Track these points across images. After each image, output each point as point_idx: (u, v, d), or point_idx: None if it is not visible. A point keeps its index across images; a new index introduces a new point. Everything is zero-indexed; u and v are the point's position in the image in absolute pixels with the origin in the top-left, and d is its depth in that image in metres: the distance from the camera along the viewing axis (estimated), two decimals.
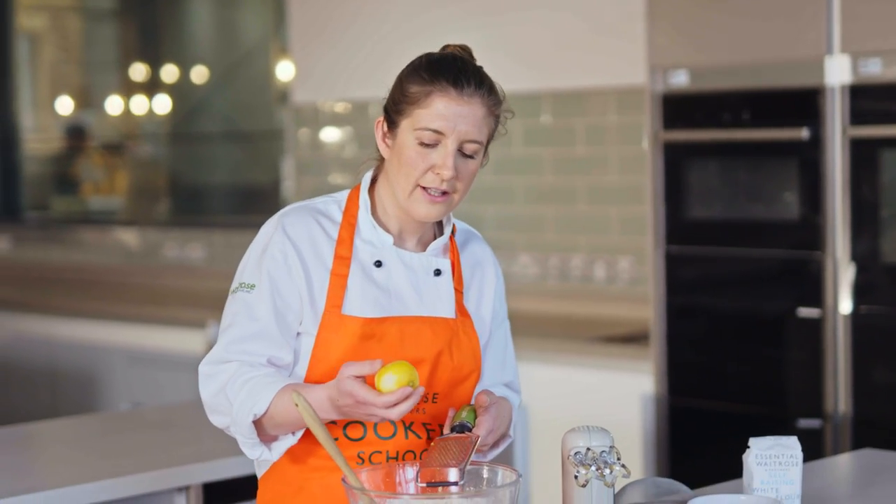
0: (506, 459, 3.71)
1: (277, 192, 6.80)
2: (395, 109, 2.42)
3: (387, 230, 2.48)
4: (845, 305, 4.09)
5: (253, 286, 2.43)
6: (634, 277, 5.36)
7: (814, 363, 4.15)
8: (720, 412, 4.36)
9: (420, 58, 2.44)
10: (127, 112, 7.70)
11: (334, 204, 2.51)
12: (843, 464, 3.19)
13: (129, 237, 7.36)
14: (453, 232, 2.55)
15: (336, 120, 6.29)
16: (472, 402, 2.48)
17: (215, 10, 7.61)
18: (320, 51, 6.05)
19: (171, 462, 3.23)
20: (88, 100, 8.10)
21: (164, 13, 7.62)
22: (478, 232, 2.64)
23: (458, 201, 2.43)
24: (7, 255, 7.89)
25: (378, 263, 2.46)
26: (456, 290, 2.51)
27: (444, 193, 2.40)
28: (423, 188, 2.39)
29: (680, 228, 4.44)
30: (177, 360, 5.76)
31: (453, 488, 2.24)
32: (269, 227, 2.47)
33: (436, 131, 2.37)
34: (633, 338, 4.92)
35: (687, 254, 4.44)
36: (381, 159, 2.49)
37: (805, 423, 4.15)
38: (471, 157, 2.40)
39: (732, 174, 4.35)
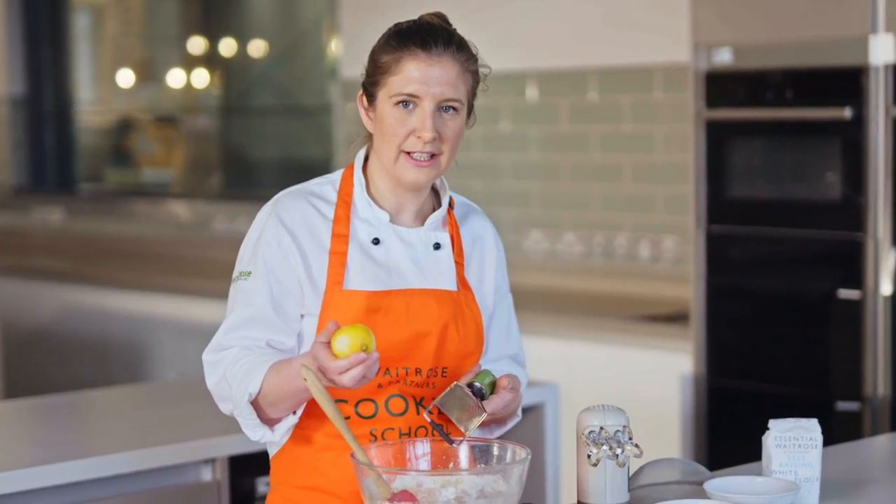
0: (535, 436, 3.71)
1: (328, 167, 6.81)
2: (370, 82, 2.44)
3: (382, 207, 2.48)
4: (886, 287, 4.05)
5: (249, 273, 2.43)
6: (678, 257, 5.33)
7: (854, 345, 4.11)
8: (759, 393, 4.33)
9: (389, 29, 2.45)
10: (188, 85, 7.74)
11: (328, 184, 2.51)
12: (874, 447, 3.16)
13: (180, 210, 7.41)
14: (451, 205, 2.55)
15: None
16: (496, 375, 2.48)
17: None
18: (369, 25, 6.01)
19: (201, 434, 3.25)
20: (149, 73, 8.15)
21: None
22: (476, 205, 2.64)
23: (447, 164, 2.42)
24: (61, 226, 7.97)
25: (376, 241, 2.45)
26: (456, 262, 2.50)
27: (432, 157, 2.40)
28: (408, 154, 2.40)
29: (722, 208, 4.41)
30: None
31: (462, 459, 2.26)
32: (264, 213, 2.47)
33: (410, 94, 2.38)
34: (675, 317, 4.90)
35: (728, 233, 4.41)
36: (371, 136, 2.49)
37: (844, 405, 4.11)
38: (451, 116, 2.40)
39: (775, 153, 4.31)
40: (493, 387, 2.42)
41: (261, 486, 3.28)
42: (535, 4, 5.64)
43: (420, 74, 2.37)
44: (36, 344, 6.86)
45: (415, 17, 2.48)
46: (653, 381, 4.60)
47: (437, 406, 2.34)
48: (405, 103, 2.38)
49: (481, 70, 2.46)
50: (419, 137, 2.37)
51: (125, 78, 8.15)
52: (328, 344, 2.20)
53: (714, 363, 4.44)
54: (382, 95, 2.41)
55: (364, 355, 2.18)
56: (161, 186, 7.95)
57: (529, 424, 3.73)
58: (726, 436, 4.42)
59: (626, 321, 4.88)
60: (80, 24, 8.30)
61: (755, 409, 4.34)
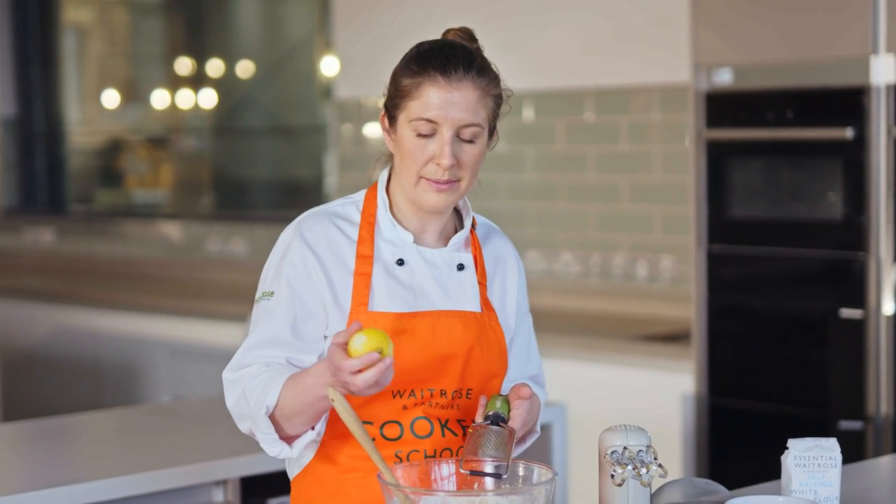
0: (543, 456, 3.70)
1: (320, 188, 6.81)
2: (391, 104, 2.44)
3: (405, 228, 2.47)
4: (888, 307, 4.06)
5: (272, 294, 2.42)
6: (676, 276, 5.34)
7: (856, 364, 4.12)
8: (760, 413, 4.34)
9: (411, 49, 2.43)
10: (173, 106, 7.74)
11: (352, 205, 2.50)
12: (883, 466, 3.17)
13: (172, 230, 7.40)
14: (473, 225, 2.54)
15: (379, 115, 6.28)
16: (505, 392, 2.47)
17: (261, 5, 7.63)
18: (364, 46, 6.05)
19: (210, 456, 3.24)
20: (135, 93, 8.13)
21: (211, 7, 7.65)
22: (497, 226, 2.63)
23: (466, 188, 2.41)
24: (51, 247, 7.94)
25: (400, 262, 2.44)
26: (480, 283, 2.50)
27: (449, 181, 2.39)
28: (428, 179, 2.39)
29: (722, 227, 4.42)
30: (218, 353, 5.77)
31: (489, 480, 2.24)
32: (287, 234, 2.46)
33: (429, 121, 2.36)
34: (674, 337, 4.90)
35: (729, 253, 4.42)
36: (392, 156, 2.49)
37: (846, 424, 4.12)
38: (471, 141, 2.38)
39: (776, 173, 4.32)
40: (508, 404, 2.41)
41: None
42: (532, 24, 5.65)
43: (439, 100, 2.35)
44: (27, 365, 6.83)
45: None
46: (653, 401, 4.60)
47: (466, 455, 2.31)
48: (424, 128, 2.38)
49: (504, 92, 2.45)
50: (438, 164, 2.37)
51: (110, 98, 8.14)
52: (345, 345, 2.20)
53: (715, 382, 4.44)
54: (403, 119, 2.41)
55: (377, 356, 2.17)
56: (152, 207, 7.94)
57: (537, 444, 3.71)
58: (728, 455, 4.42)
59: (625, 341, 4.88)
60: (66, 45, 8.29)
61: (757, 429, 4.35)
